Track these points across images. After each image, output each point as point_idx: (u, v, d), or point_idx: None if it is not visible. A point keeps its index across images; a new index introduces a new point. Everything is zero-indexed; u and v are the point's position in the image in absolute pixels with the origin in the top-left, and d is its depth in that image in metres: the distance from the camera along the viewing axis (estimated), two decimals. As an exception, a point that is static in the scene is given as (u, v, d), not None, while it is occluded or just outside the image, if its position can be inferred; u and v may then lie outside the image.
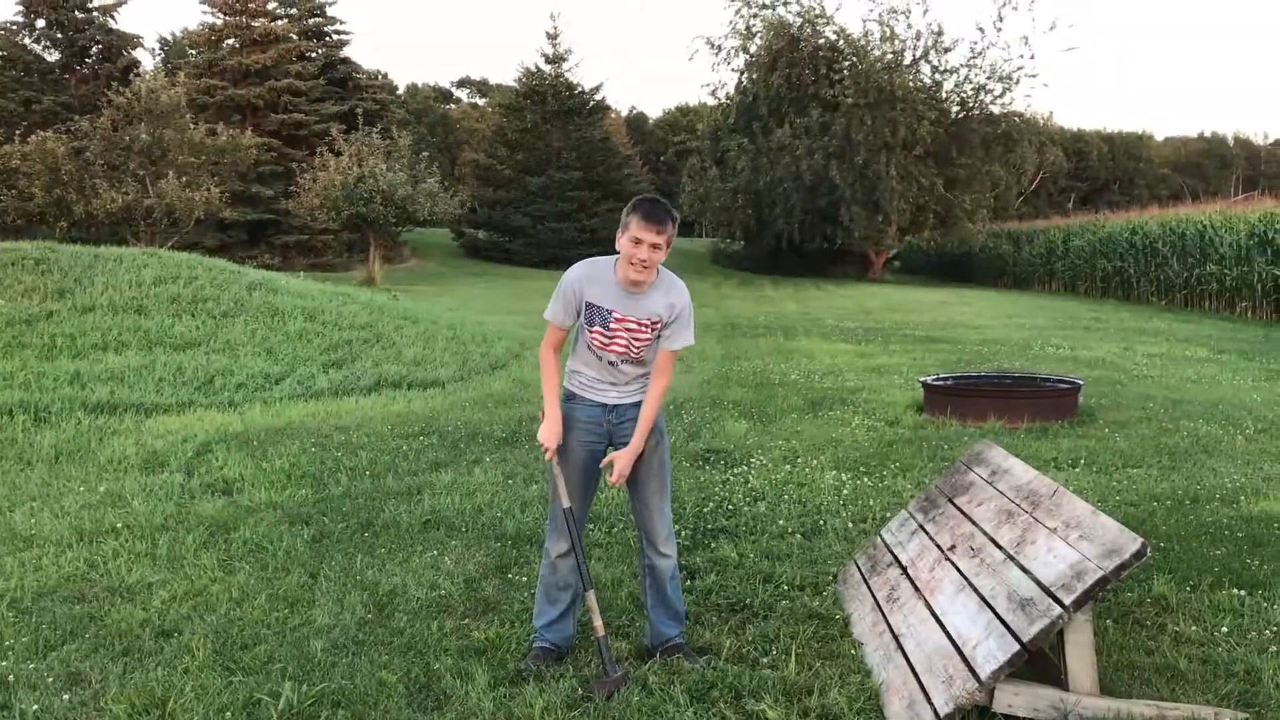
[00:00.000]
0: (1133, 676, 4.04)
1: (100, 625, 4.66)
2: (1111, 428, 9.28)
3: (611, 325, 4.13)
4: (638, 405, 4.27)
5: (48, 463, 7.89)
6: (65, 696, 3.93)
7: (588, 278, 4.15)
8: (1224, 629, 4.48)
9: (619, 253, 4.10)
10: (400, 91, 71.77)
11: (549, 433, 4.18)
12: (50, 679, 4.10)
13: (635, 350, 4.17)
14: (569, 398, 4.29)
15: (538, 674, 4.08)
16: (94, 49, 42.83)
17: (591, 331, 4.16)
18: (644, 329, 4.14)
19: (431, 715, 3.77)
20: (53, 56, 42.82)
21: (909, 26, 49.66)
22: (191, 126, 33.15)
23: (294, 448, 8.27)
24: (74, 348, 11.75)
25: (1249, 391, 11.70)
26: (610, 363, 4.20)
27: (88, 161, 31.34)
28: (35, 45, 42.47)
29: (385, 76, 64.67)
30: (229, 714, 3.76)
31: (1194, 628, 4.52)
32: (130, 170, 31.43)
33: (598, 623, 4.11)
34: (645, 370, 4.27)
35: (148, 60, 59.14)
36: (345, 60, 49.11)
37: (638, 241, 4.00)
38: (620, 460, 4.19)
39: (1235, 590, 4.95)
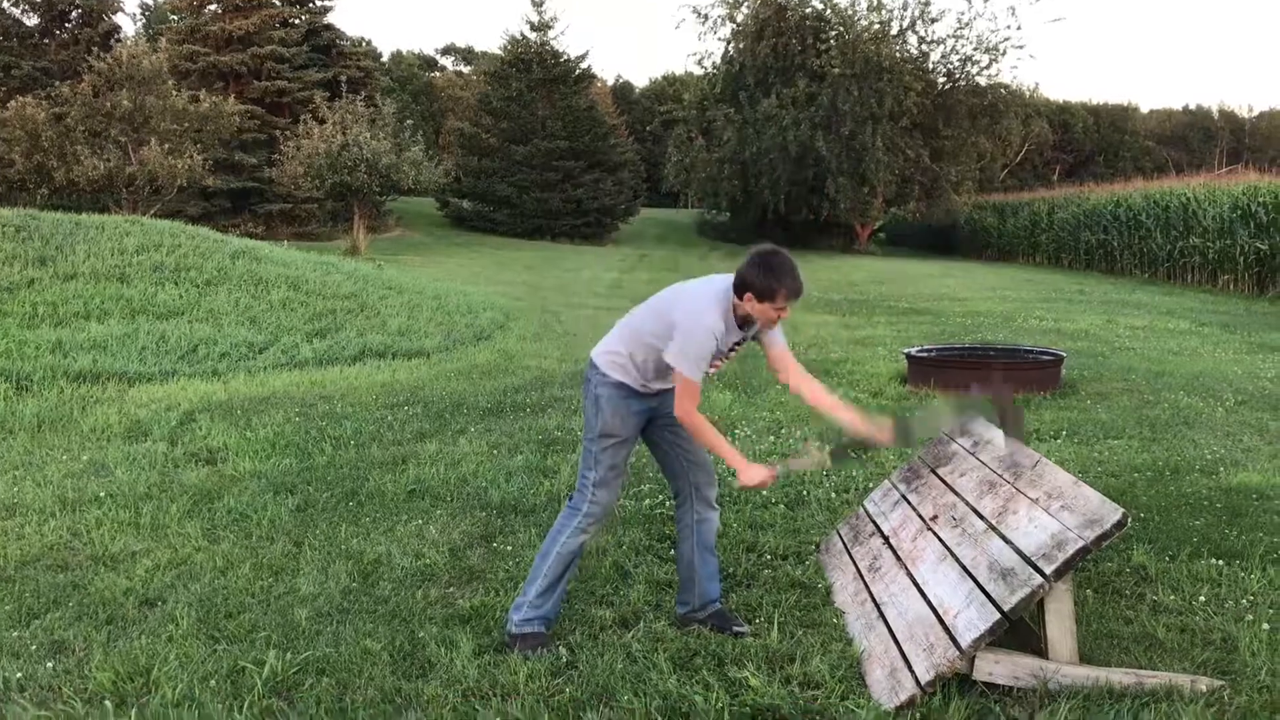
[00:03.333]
0: (1111, 645, 4.08)
1: (84, 594, 4.66)
2: (1093, 399, 9.33)
3: (728, 354, 4.23)
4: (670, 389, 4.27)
5: (30, 431, 7.85)
6: (49, 664, 3.94)
7: (722, 331, 4.06)
8: (1201, 598, 4.53)
9: (748, 305, 4.04)
10: (384, 59, 71.16)
11: (762, 475, 4.17)
12: (34, 647, 4.11)
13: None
14: (620, 386, 4.16)
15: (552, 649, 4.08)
16: (73, 13, 42.19)
17: (711, 365, 4.16)
18: (743, 344, 4.31)
19: (416, 683, 3.78)
20: (31, 21, 42.24)
21: (896, -4, 49.52)
22: (174, 93, 32.80)
23: (278, 417, 8.26)
24: (55, 316, 11.68)
25: (1230, 364, 11.77)
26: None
27: (68, 128, 31.00)
28: (14, 9, 41.88)
29: (369, 43, 64.13)
30: (213, 682, 3.77)
31: (1172, 597, 4.57)
32: (112, 137, 31.12)
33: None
34: None
35: (129, 25, 58.57)
36: (329, 27, 48.58)
37: (782, 310, 4.06)
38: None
39: (1213, 560, 5.00)
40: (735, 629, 4.24)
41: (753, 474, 4.12)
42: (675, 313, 4.04)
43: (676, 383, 4.06)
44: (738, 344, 4.25)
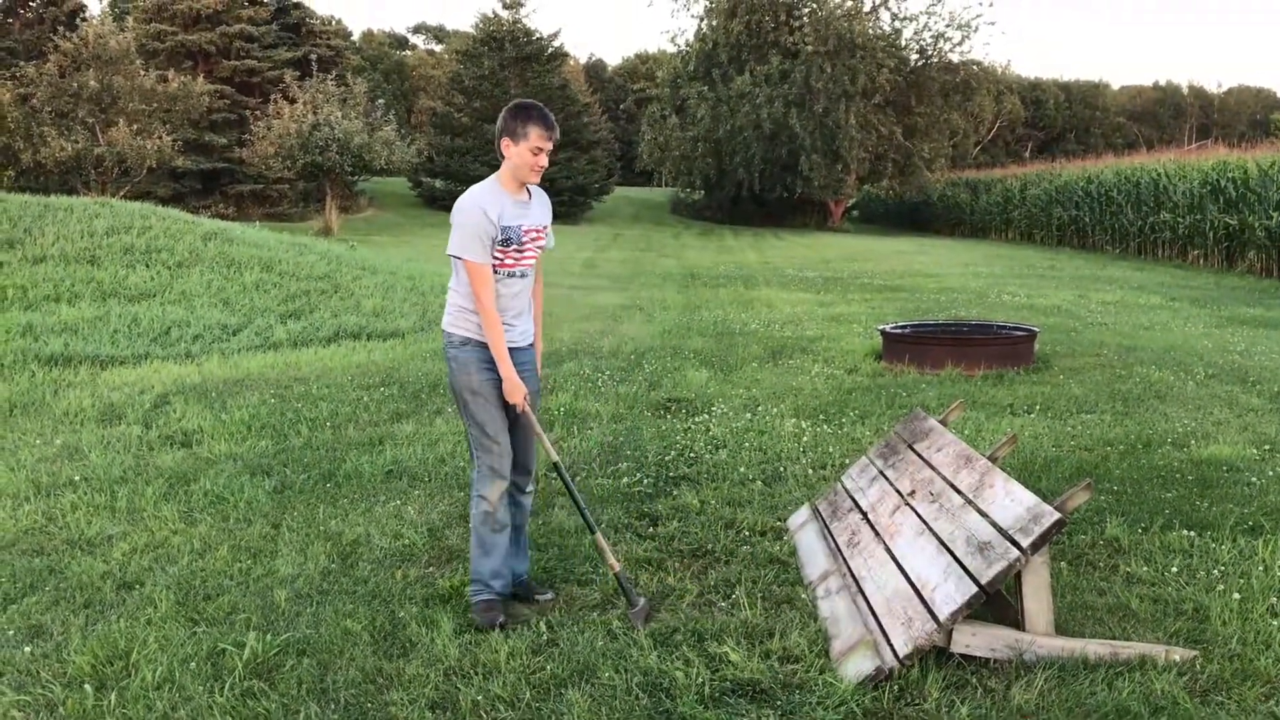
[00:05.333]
0: (1086, 616, 4.13)
1: (60, 578, 4.64)
2: (1066, 374, 9.40)
3: (525, 242, 4.21)
4: (531, 347, 4.39)
5: (1, 416, 7.78)
6: (27, 649, 3.92)
7: (491, 204, 4.12)
8: (1174, 569, 4.59)
9: (507, 162, 4.15)
10: (355, 38, 70.60)
11: (516, 387, 4.15)
12: (11, 632, 4.09)
13: (538, 254, 4.32)
14: (464, 343, 4.21)
15: (503, 624, 4.10)
16: (38, -8, 41.68)
17: (509, 252, 4.16)
18: (542, 234, 4.31)
19: (397, 663, 3.79)
20: (-5, 0, 41.65)
21: (868, -27, 49.50)
22: (142, 73, 32.44)
23: (253, 399, 8.22)
24: (25, 299, 11.56)
25: (1200, 338, 11.89)
26: (522, 274, 4.24)
27: (35, 109, 30.62)
28: (-24, -11, 41.26)
29: (339, 22, 63.53)
30: (193, 664, 3.76)
31: (1145, 568, 4.62)
32: (79, 118, 30.75)
33: (611, 560, 4.25)
34: (529, 290, 4.37)
35: (94, 4, 57.71)
36: (298, 5, 48.19)
37: (539, 150, 4.13)
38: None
39: (1185, 531, 5.06)
40: (538, 595, 4.41)
41: (516, 391, 4.15)
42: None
43: (466, 273, 4.11)
44: (535, 229, 4.26)
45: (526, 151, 4.12)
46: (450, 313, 4.27)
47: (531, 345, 4.40)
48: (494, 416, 4.23)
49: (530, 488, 4.49)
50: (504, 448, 4.26)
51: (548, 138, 4.13)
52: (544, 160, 4.16)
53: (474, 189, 4.18)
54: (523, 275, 4.26)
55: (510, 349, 4.20)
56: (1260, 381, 9.01)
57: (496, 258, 4.14)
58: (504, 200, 4.15)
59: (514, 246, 4.17)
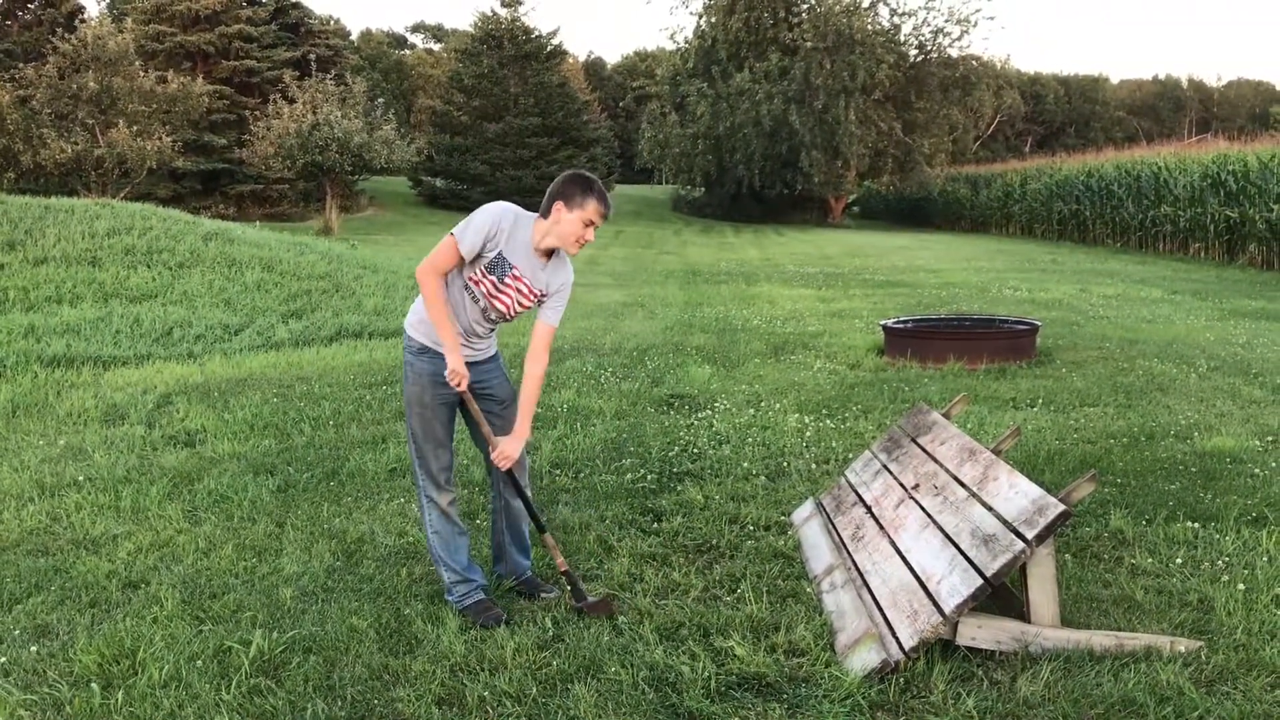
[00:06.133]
0: (1091, 608, 4.13)
1: (66, 578, 4.64)
2: (1069, 368, 9.40)
3: (506, 280, 4.08)
4: (492, 359, 4.30)
5: (4, 417, 7.79)
6: (33, 648, 3.92)
7: (508, 227, 4.04)
8: (1178, 560, 4.59)
9: (554, 224, 4.04)
10: (353, 37, 70.58)
11: (463, 376, 4.05)
12: (17, 631, 4.09)
13: (514, 313, 4.17)
14: (422, 351, 4.14)
15: (506, 620, 4.10)
16: (36, -6, 41.69)
17: (486, 278, 4.07)
18: (531, 297, 4.15)
19: (403, 659, 3.79)
20: (-7, 2, 41.65)
21: (867, -32, 49.49)
22: (141, 74, 32.43)
23: (256, 398, 8.22)
24: (27, 301, 11.57)
25: (1202, 331, 11.88)
26: (484, 309, 4.13)
27: (34, 111, 30.63)
28: (-26, -9, 41.27)
29: (338, 21, 63.49)
30: (199, 662, 3.76)
31: (1150, 560, 4.63)
32: (79, 119, 30.76)
33: (560, 559, 4.26)
34: (498, 329, 4.29)
35: (93, 5, 57.71)
36: (297, 5, 48.15)
37: (591, 224, 4.06)
38: (509, 445, 4.18)
39: (1189, 523, 5.07)
40: (543, 593, 4.39)
41: (457, 371, 4.02)
42: None
43: (440, 245, 4.02)
44: (536, 292, 4.13)
45: (579, 222, 4.03)
46: (415, 312, 4.19)
47: (491, 359, 4.30)
48: (436, 430, 4.21)
49: (526, 486, 4.46)
50: (445, 461, 4.26)
51: (604, 215, 4.06)
52: (592, 235, 4.09)
53: (513, 206, 4.10)
54: (483, 309, 4.12)
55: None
56: (1262, 373, 9.01)
57: (473, 274, 4.05)
58: (524, 241, 4.06)
59: (494, 277, 4.06)
